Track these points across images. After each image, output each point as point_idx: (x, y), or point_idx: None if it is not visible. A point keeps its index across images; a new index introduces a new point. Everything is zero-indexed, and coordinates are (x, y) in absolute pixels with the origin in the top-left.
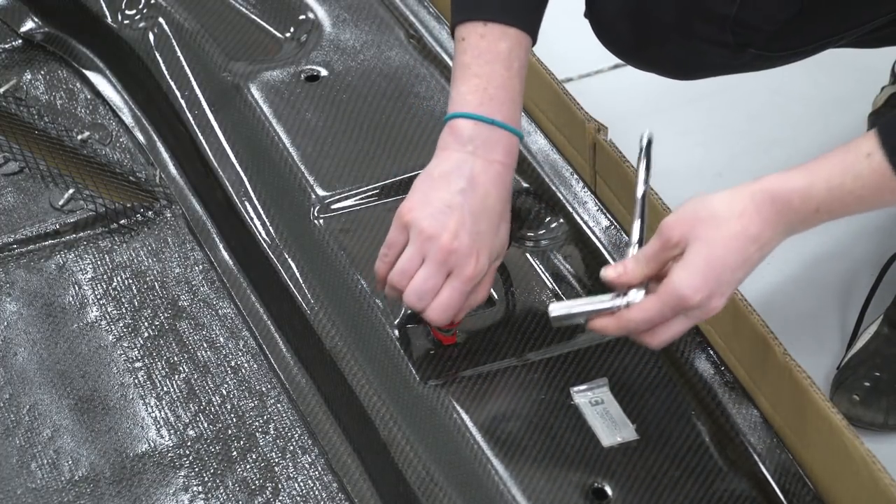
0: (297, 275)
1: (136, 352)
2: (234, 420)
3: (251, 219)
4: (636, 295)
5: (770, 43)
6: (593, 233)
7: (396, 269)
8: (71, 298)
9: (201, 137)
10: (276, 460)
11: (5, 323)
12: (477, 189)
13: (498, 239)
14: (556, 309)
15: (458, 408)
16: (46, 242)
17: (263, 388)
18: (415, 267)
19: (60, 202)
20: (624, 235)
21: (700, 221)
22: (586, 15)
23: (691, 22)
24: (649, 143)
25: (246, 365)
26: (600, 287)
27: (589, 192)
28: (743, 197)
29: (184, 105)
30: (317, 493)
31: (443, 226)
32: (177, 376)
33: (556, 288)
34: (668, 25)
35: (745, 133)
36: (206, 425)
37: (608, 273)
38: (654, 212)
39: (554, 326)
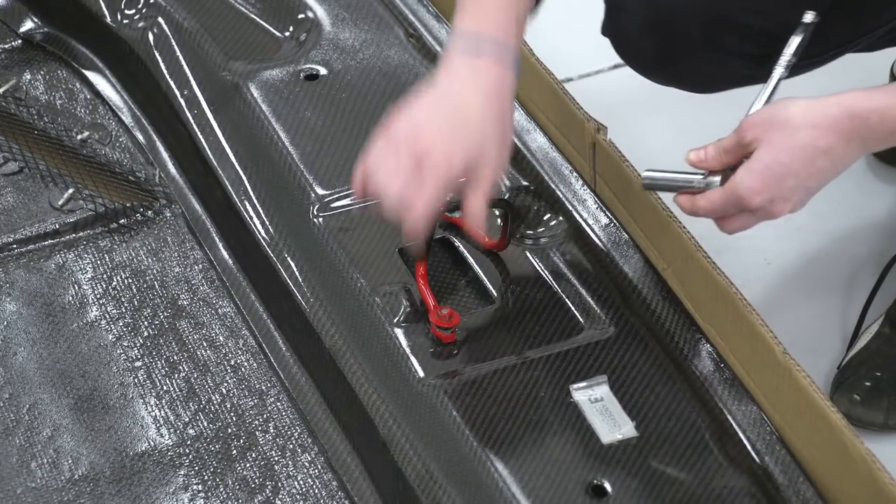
0: (297, 273)
1: (136, 351)
2: (234, 419)
3: (251, 218)
4: (713, 181)
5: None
6: (593, 231)
7: (368, 169)
8: (71, 298)
9: (201, 137)
10: (276, 459)
11: (5, 323)
12: (453, 92)
13: (478, 135)
14: (648, 173)
15: (458, 405)
16: (46, 242)
17: (263, 387)
18: (383, 160)
19: (60, 202)
20: (623, 234)
21: (773, 126)
22: (604, 32)
23: (715, 34)
24: (808, 25)
25: (246, 364)
26: (598, 288)
27: (588, 191)
28: (820, 108)
29: (183, 105)
30: (316, 491)
31: (413, 123)
32: (176, 375)
33: (556, 286)
34: (692, 39)
35: None
36: (205, 424)
37: (691, 155)
38: (654, 211)
39: (644, 189)
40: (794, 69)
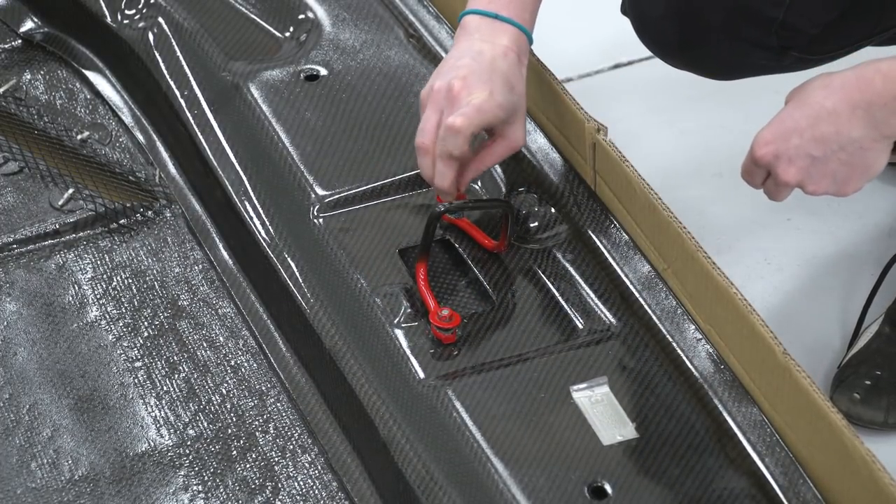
0: (297, 274)
1: (136, 351)
2: (234, 419)
3: (251, 218)
4: None
5: (811, 46)
6: (593, 231)
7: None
8: (71, 298)
9: (201, 137)
10: (276, 459)
11: (5, 323)
12: (483, 56)
13: (499, 95)
14: None
15: (458, 406)
16: (46, 242)
17: (263, 388)
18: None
19: (60, 202)
20: (623, 234)
21: (801, 88)
22: (624, 11)
23: (738, 24)
24: None
25: (246, 364)
26: (598, 289)
27: (588, 191)
28: (839, 73)
29: (183, 105)
30: (316, 492)
31: (443, 79)
32: (177, 376)
33: (556, 287)
34: (714, 27)
35: (745, 133)
36: (205, 424)
37: None
38: (654, 211)
39: None
40: (812, 62)
